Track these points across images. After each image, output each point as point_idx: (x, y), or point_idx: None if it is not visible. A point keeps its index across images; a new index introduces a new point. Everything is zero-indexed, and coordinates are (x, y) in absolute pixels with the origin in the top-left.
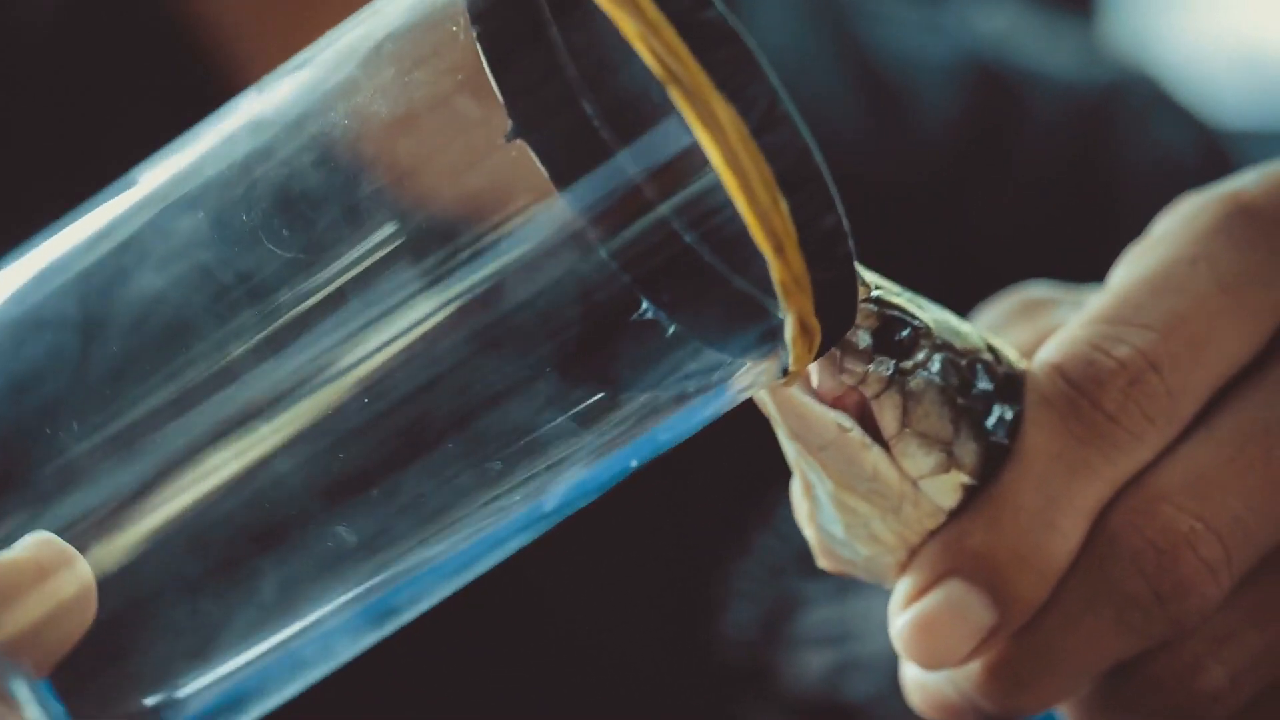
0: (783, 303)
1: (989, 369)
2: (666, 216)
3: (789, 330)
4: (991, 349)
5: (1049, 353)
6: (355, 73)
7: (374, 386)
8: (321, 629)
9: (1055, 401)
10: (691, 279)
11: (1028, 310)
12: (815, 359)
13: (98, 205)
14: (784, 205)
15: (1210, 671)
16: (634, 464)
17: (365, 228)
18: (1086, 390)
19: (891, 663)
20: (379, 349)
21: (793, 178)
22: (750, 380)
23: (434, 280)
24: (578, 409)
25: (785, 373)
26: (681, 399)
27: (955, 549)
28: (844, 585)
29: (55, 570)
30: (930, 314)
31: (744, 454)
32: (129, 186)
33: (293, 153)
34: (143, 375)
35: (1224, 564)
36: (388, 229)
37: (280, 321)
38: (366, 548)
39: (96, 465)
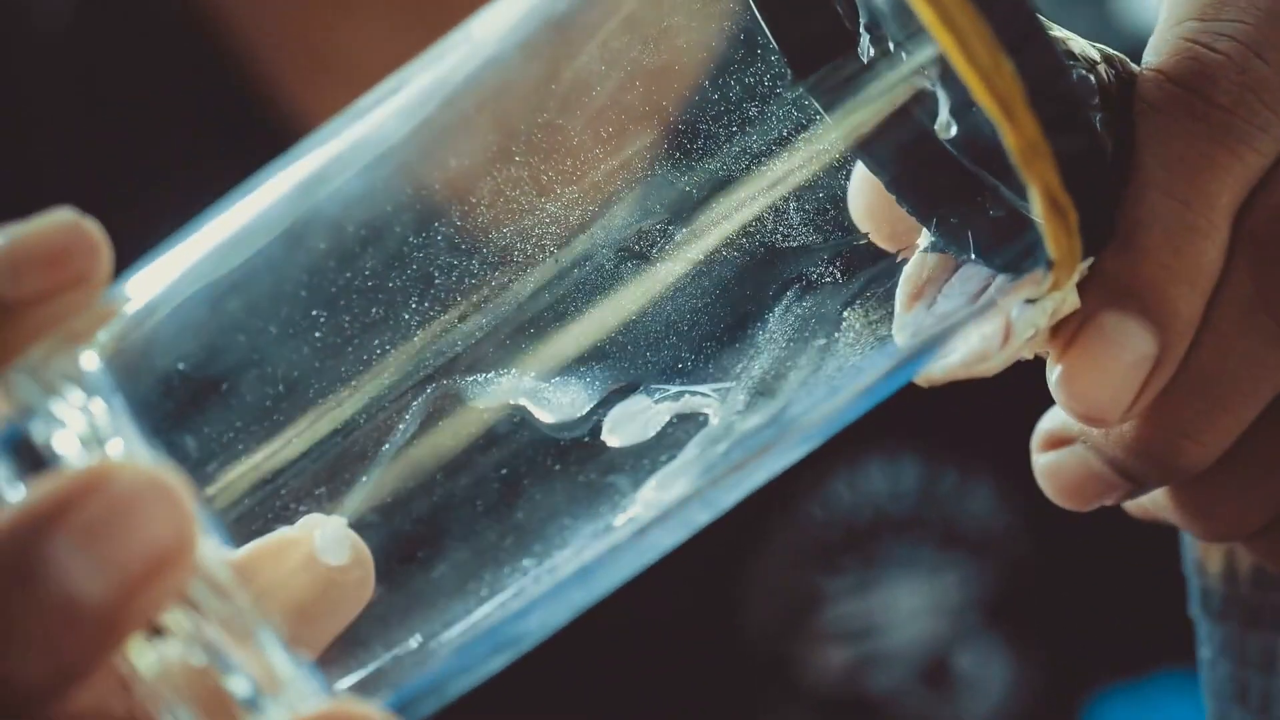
0: (1023, 174)
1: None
2: (921, 121)
3: (1037, 207)
4: (1105, 57)
5: (1148, 60)
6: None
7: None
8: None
9: (1167, 106)
10: (952, 187)
11: None
12: (1078, 248)
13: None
14: (1008, 65)
15: None
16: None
17: (613, 134)
18: (1197, 87)
19: (913, 657)
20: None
21: (1014, 36)
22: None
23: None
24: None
25: (1049, 268)
26: (952, 322)
27: (1098, 283)
28: (865, 580)
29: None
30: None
31: None
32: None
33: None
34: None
35: None
36: (636, 137)
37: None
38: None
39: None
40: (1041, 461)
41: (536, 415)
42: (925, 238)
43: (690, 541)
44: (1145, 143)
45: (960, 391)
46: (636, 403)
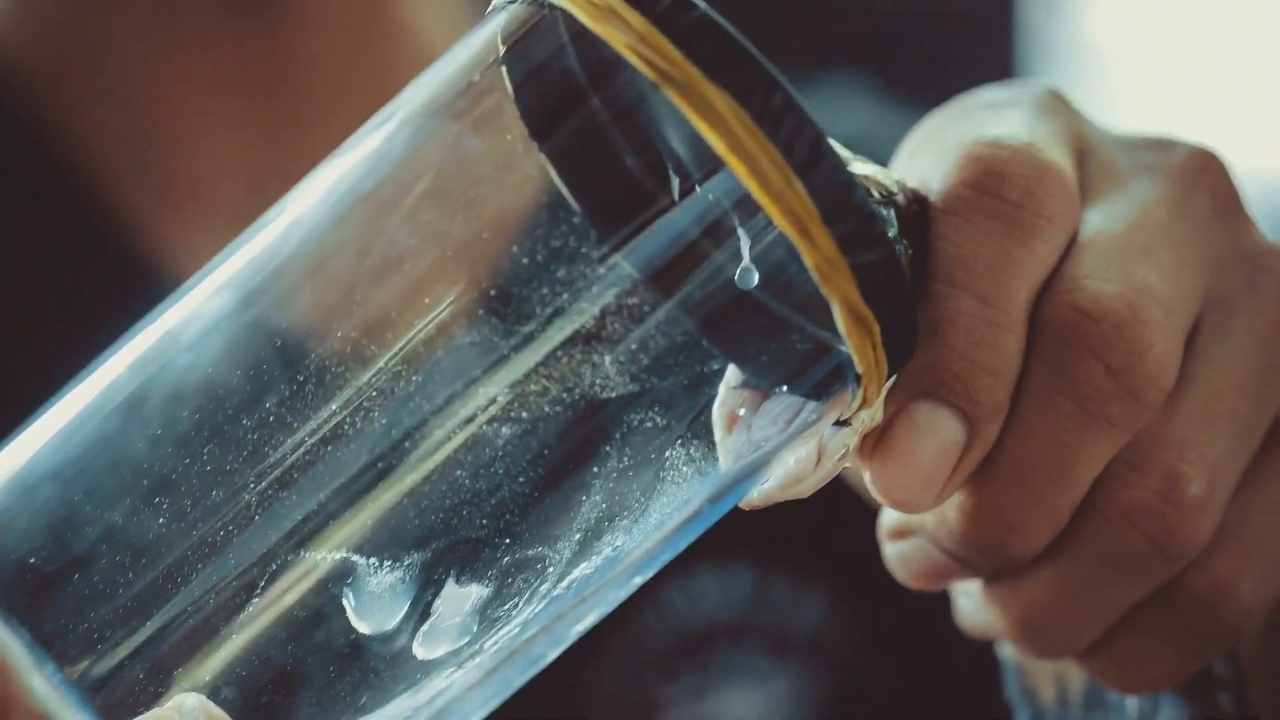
0: (823, 290)
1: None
2: (725, 267)
3: (840, 322)
4: (900, 186)
5: (935, 176)
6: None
7: (467, 454)
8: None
9: (960, 210)
10: (759, 326)
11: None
12: (883, 361)
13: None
14: (799, 185)
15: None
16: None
17: (427, 304)
18: (987, 187)
19: None
20: (464, 423)
21: (803, 157)
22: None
23: (502, 353)
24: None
25: (858, 383)
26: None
27: (905, 380)
28: (700, 687)
29: None
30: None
31: None
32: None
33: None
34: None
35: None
36: (447, 303)
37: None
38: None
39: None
40: (890, 551)
41: (356, 602)
42: (736, 373)
43: None
44: (943, 246)
45: (791, 502)
46: (452, 605)
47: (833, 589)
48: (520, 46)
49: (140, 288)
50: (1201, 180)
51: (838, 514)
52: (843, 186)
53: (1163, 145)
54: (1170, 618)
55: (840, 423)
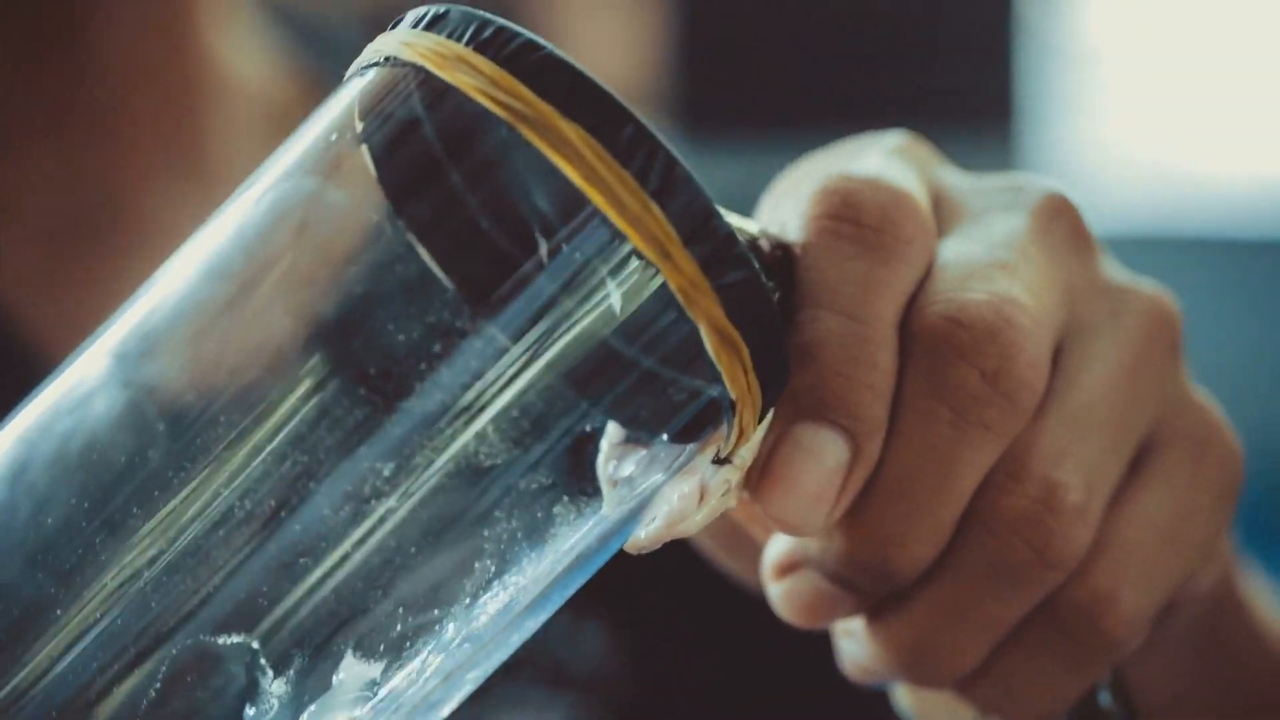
0: (689, 313)
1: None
2: (596, 326)
3: (708, 344)
4: (762, 230)
5: (792, 218)
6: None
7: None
8: None
9: (821, 239)
10: (634, 385)
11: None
12: (755, 385)
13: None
14: (657, 208)
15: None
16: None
17: (302, 380)
18: (845, 215)
19: None
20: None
21: (659, 184)
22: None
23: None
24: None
25: (733, 412)
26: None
27: (785, 405)
28: (478, 717)
29: None
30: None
31: None
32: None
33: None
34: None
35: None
36: (323, 378)
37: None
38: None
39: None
40: (775, 590)
41: (250, 683)
42: (616, 429)
43: None
44: (807, 275)
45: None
46: (353, 676)
47: (611, 622)
48: (376, 116)
49: None
50: (1058, 218)
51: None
52: (701, 210)
53: (1016, 187)
54: (1053, 632)
55: (720, 460)
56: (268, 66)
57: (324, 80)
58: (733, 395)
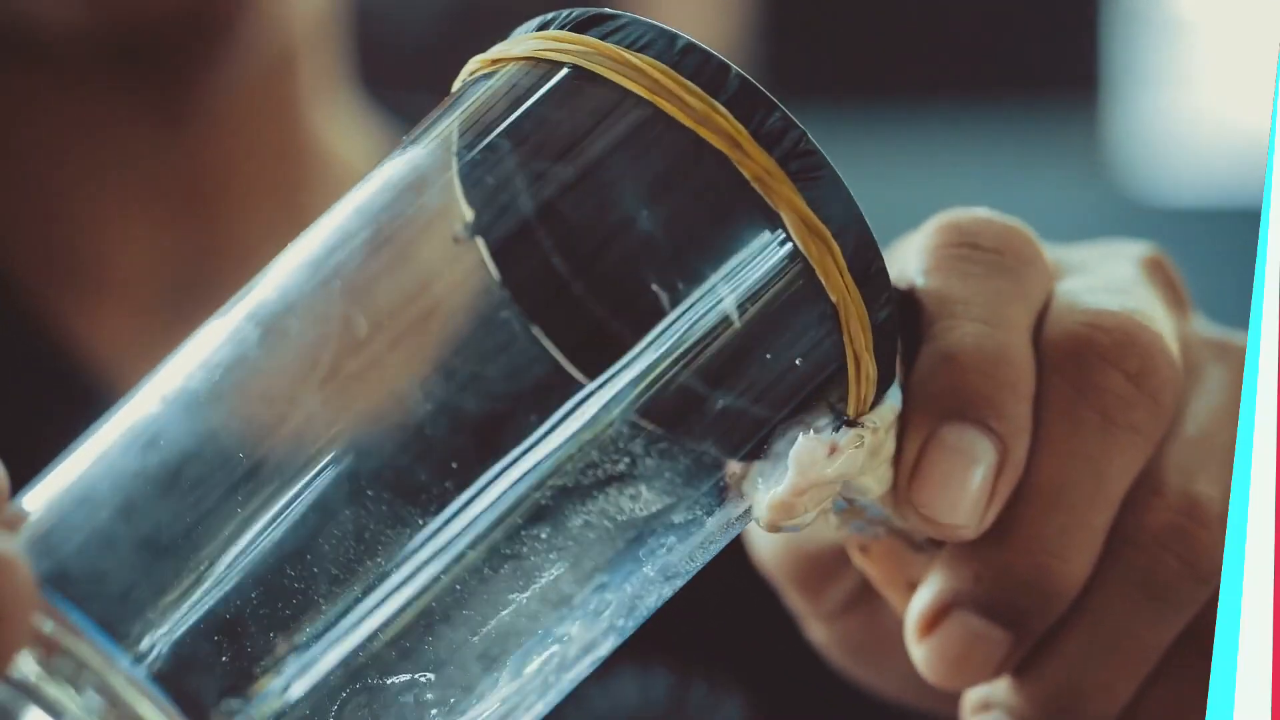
0: (768, 200)
1: None
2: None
3: (791, 230)
4: None
5: (915, 253)
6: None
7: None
8: None
9: (942, 264)
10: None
11: None
12: (874, 406)
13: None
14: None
15: None
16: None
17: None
18: (964, 240)
19: None
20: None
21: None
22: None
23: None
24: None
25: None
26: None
27: (927, 407)
28: None
29: None
30: None
31: None
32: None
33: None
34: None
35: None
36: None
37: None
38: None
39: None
40: (922, 650)
41: None
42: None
43: None
44: (935, 297)
45: (709, 606)
46: None
47: (750, 694)
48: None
49: (64, 383)
50: (1159, 271)
51: (758, 619)
52: (868, 249)
53: (1113, 246)
54: (1199, 658)
55: (850, 422)
56: (366, 147)
57: None
58: (850, 412)
